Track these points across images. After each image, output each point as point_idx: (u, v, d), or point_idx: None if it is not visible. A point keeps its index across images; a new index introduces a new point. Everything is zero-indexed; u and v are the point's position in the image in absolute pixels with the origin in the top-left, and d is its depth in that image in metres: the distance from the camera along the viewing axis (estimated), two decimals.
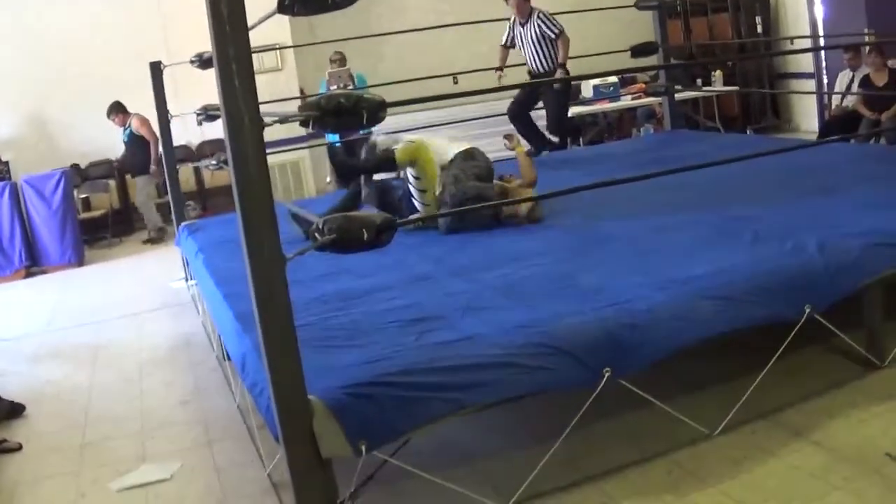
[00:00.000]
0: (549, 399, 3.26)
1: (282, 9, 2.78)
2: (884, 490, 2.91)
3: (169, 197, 7.05)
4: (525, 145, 6.81)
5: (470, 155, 5.14)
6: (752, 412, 3.50)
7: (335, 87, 8.81)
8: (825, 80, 11.01)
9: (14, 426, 4.69)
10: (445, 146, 5.20)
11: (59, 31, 9.93)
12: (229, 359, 4.40)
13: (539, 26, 7.57)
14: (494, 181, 5.17)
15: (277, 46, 9.64)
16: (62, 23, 9.94)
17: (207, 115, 5.61)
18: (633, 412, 3.53)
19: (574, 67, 7.67)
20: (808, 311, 3.46)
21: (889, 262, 3.68)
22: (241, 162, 2.52)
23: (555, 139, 8.10)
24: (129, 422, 4.58)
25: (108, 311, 6.98)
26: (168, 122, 6.68)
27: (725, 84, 11.36)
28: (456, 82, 7.65)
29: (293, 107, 5.85)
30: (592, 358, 3.08)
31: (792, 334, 3.47)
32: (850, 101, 9.02)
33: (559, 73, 7.54)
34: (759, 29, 11.69)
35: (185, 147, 10.43)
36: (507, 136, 5.78)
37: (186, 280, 6.48)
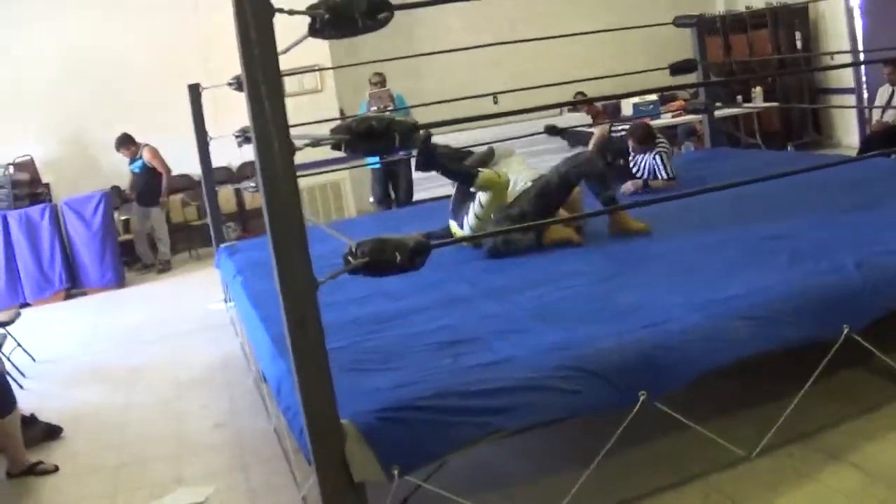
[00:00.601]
0: (585, 422, 3.22)
1: (313, 32, 2.76)
2: None
3: (209, 219, 7.08)
4: None
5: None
6: (789, 434, 3.43)
7: (375, 107, 8.77)
8: (865, 95, 10.90)
9: (51, 448, 4.74)
10: (516, 177, 5.11)
11: (101, 52, 10.03)
12: (266, 381, 4.41)
13: None
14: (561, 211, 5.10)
15: (317, 68, 9.68)
16: (103, 44, 10.04)
17: (245, 136, 5.62)
18: (668, 435, 3.48)
19: (614, 86, 7.59)
20: (846, 331, 3.38)
21: None
22: (271, 185, 2.50)
23: None
24: (165, 444, 4.60)
25: (147, 333, 7.04)
26: (207, 143, 6.69)
27: (766, 100, 11.25)
28: (496, 102, 7.63)
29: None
30: (627, 381, 3.04)
31: (829, 355, 3.39)
32: (889, 115, 8.90)
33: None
34: (799, 45, 11.58)
35: (225, 168, 10.52)
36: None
37: (225, 302, 6.51)
